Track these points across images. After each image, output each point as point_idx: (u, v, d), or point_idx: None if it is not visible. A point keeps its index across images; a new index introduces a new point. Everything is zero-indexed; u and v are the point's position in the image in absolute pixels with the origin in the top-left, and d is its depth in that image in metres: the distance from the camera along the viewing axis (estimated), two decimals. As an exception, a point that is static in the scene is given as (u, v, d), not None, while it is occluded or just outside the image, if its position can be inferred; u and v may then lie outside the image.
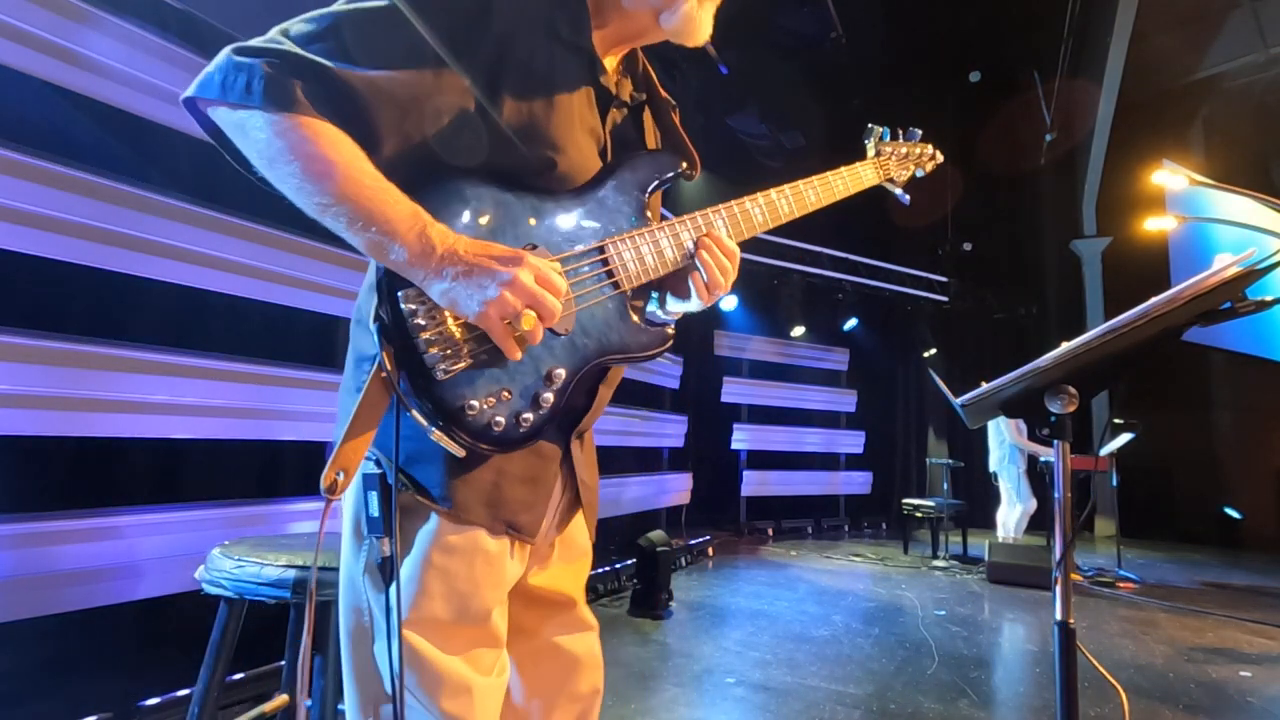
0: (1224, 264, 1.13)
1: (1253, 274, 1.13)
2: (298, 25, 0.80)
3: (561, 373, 0.89)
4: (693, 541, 6.05)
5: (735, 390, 7.75)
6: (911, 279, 8.93)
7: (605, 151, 1.02)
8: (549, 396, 0.88)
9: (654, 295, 1.08)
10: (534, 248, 0.89)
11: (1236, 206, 9.24)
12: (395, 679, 0.84)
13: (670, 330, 1.03)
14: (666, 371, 6.30)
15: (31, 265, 1.98)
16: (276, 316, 2.72)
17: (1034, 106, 9.03)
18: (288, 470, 3.03)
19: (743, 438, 7.73)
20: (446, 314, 0.82)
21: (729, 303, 7.56)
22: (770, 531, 7.82)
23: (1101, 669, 1.38)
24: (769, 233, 8.26)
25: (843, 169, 1.27)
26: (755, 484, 7.83)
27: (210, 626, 1.52)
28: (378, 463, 0.89)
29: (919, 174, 1.45)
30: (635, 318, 0.98)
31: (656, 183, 1.03)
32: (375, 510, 0.86)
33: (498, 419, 0.84)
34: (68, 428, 2.02)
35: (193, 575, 1.53)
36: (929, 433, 9.63)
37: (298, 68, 0.77)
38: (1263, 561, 7.27)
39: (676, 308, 1.07)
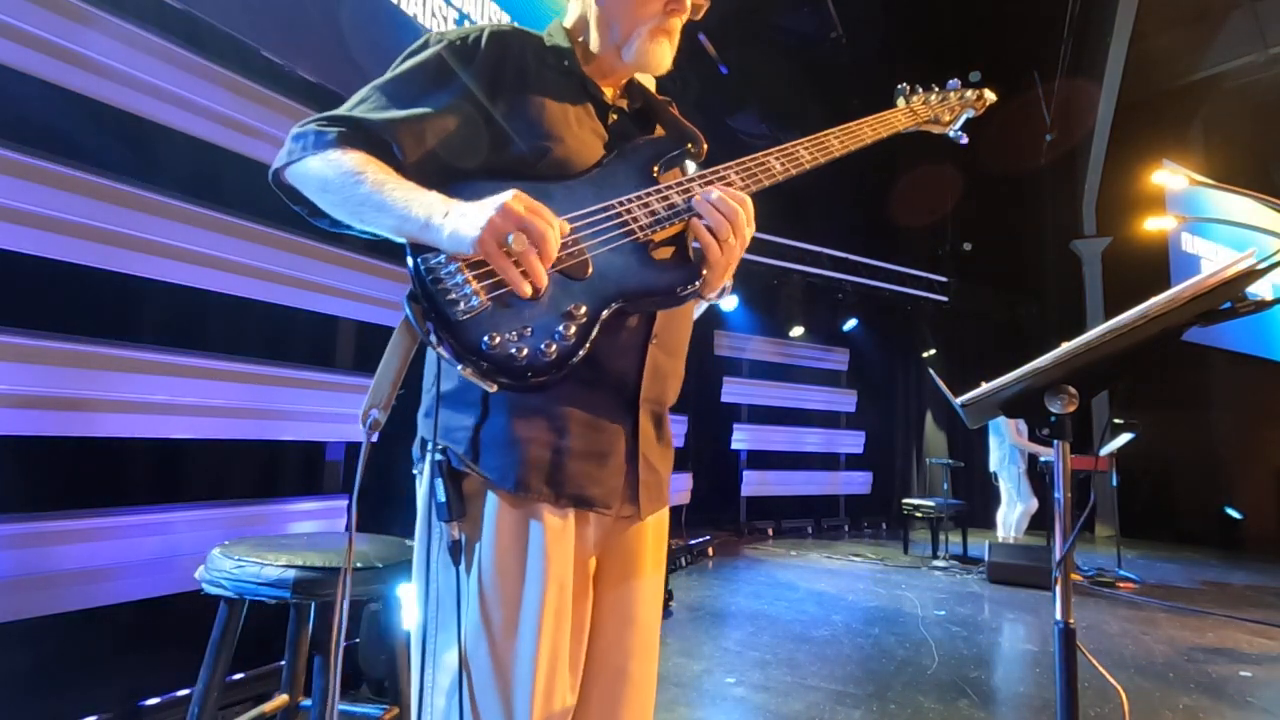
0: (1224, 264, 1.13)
1: (1253, 274, 1.13)
2: (348, 102, 1.02)
3: (583, 309, 0.91)
4: (693, 541, 6.04)
5: (735, 390, 7.75)
6: (911, 279, 8.92)
7: (610, 147, 1.07)
8: (572, 329, 0.90)
9: None
10: None
11: (1236, 206, 9.26)
12: (462, 666, 0.91)
13: (699, 265, 0.98)
14: (666, 371, 6.29)
15: (31, 265, 1.97)
16: (276, 316, 2.72)
17: (1034, 106, 9.03)
18: (288, 470, 3.03)
19: (743, 438, 7.72)
20: (461, 264, 0.88)
21: (729, 303, 7.56)
22: (770, 531, 7.82)
23: (1101, 669, 1.38)
24: (769, 233, 8.18)
25: (870, 117, 1.25)
26: (755, 484, 7.81)
27: (210, 626, 1.52)
28: (443, 450, 0.95)
29: (970, 114, 1.43)
30: (657, 262, 0.98)
31: (663, 159, 1.05)
32: (441, 496, 0.94)
33: (521, 349, 0.88)
34: (68, 428, 2.02)
35: (193, 575, 1.53)
36: (928, 433, 9.63)
37: (339, 121, 0.97)
38: (1263, 561, 7.27)
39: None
